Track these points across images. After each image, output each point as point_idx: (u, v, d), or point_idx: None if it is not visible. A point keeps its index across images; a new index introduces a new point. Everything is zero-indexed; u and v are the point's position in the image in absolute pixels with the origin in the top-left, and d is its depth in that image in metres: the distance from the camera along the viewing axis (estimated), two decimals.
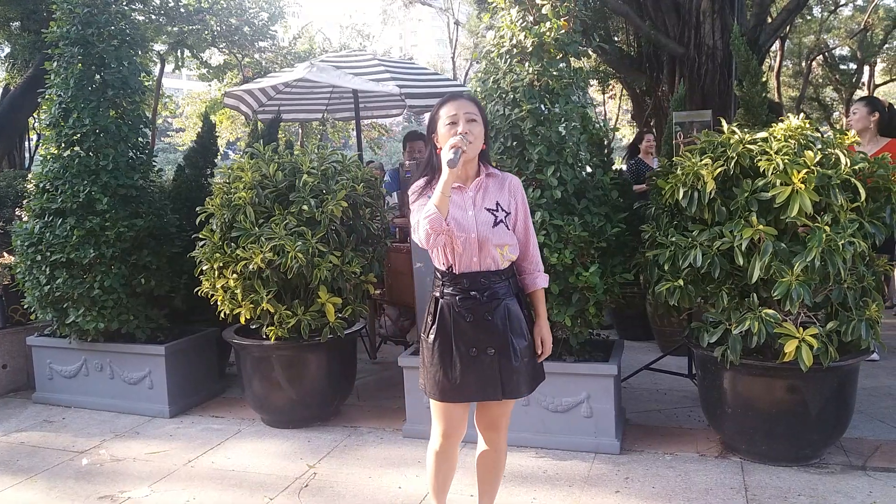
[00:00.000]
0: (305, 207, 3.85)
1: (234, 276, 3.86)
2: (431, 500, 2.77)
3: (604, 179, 3.72)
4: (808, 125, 3.24)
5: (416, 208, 2.39)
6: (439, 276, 2.49)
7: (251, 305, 3.90)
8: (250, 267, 3.77)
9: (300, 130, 17.06)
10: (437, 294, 2.47)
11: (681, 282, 3.32)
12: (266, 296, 3.84)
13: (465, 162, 2.34)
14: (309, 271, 3.79)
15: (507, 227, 2.43)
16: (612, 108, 20.00)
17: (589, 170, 3.79)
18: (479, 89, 3.77)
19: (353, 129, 9.91)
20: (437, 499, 2.76)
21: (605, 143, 4.07)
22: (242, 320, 3.97)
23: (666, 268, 3.36)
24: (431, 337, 2.45)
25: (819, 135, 3.24)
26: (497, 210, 2.43)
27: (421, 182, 2.47)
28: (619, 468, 3.40)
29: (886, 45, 19.93)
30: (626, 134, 24.43)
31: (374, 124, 18.87)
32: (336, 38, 23.03)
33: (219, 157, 5.46)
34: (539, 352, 2.53)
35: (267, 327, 3.92)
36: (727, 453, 3.50)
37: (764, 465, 3.35)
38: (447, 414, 2.52)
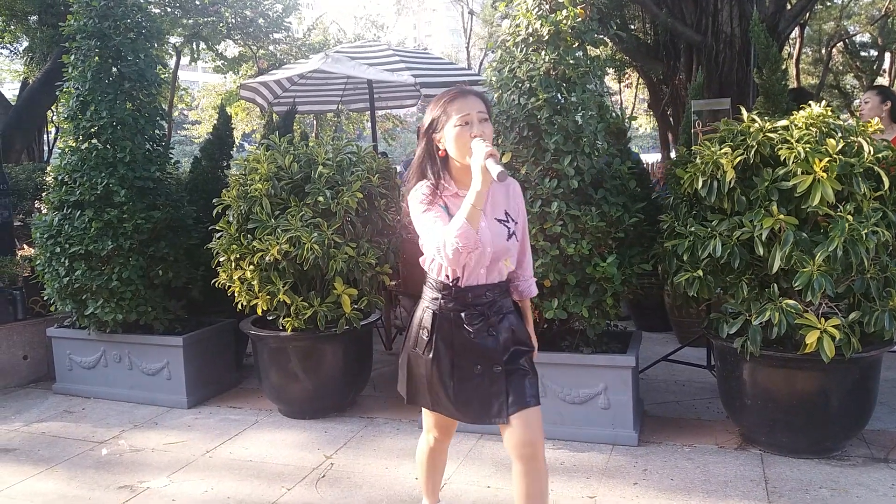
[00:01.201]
0: (321, 199, 3.85)
1: (251, 267, 3.87)
2: (424, 501, 2.73)
3: (621, 169, 3.68)
4: (829, 113, 3.19)
5: (431, 220, 2.15)
6: (437, 289, 2.28)
7: (268, 297, 3.90)
8: (267, 258, 3.78)
9: (315, 122, 17.09)
10: (435, 308, 2.28)
11: (700, 272, 3.28)
12: (282, 287, 3.85)
13: (469, 167, 2.11)
14: (325, 262, 3.79)
15: (516, 238, 2.28)
16: (629, 96, 19.83)
17: (606, 159, 3.75)
18: (494, 78, 3.75)
19: (367, 121, 9.93)
20: (430, 499, 2.71)
21: (623, 132, 4.04)
22: (259, 311, 3.98)
23: (685, 258, 3.33)
24: (430, 354, 2.28)
25: (841, 122, 3.19)
26: (508, 221, 2.26)
27: (424, 188, 2.21)
28: (638, 460, 3.38)
29: None
30: (642, 123, 24.26)
31: (388, 115, 18.87)
32: (350, 29, 23.06)
33: (235, 149, 5.48)
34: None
35: (283, 318, 3.93)
36: (747, 445, 3.47)
37: (784, 457, 3.32)
38: (440, 419, 2.48)
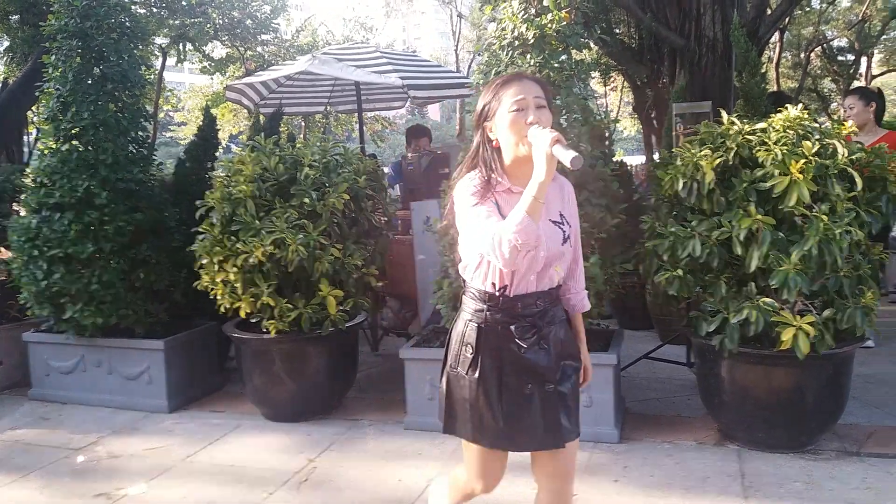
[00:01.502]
0: (307, 200, 3.86)
1: (235, 269, 3.86)
2: None
3: (604, 171, 3.73)
4: (806, 116, 3.25)
5: (483, 214, 1.89)
6: (481, 299, 2.02)
7: (251, 299, 3.90)
8: (250, 260, 3.77)
9: (303, 123, 17.06)
10: (479, 322, 2.01)
11: (680, 272, 3.33)
12: (266, 289, 3.85)
13: (524, 160, 1.89)
14: (310, 264, 3.79)
15: (570, 243, 2.04)
16: (614, 99, 19.95)
17: (591, 161, 3.79)
18: (481, 81, 3.78)
19: (355, 122, 9.93)
20: None
21: (606, 134, 4.08)
22: (242, 314, 3.98)
23: (665, 258, 3.38)
24: (475, 374, 2.00)
25: (817, 125, 3.25)
26: (563, 223, 2.01)
27: (475, 181, 1.96)
28: (618, 457, 3.42)
29: (884, 36, 19.82)
30: (627, 126, 24.39)
31: (377, 117, 18.87)
32: (339, 31, 23.01)
33: (221, 151, 5.45)
34: (581, 380, 2.16)
35: (267, 321, 3.93)
36: (725, 441, 3.52)
37: (761, 452, 3.37)
38: (488, 459, 2.13)
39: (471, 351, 2.02)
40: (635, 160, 16.01)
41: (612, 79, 15.87)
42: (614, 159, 4.21)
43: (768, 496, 2.97)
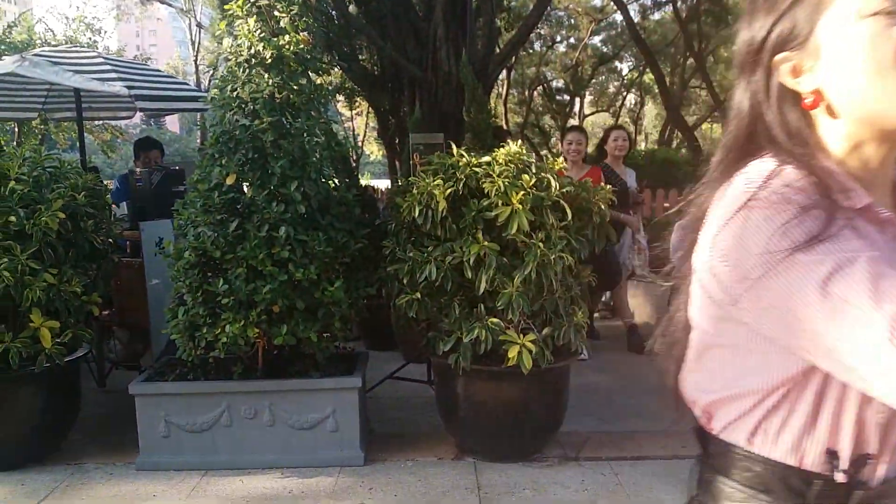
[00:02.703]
0: (13, 219, 3.41)
1: None
2: None
3: (347, 196, 3.80)
4: (524, 151, 3.62)
5: (863, 273, 0.70)
6: (787, 485, 0.87)
7: None
8: None
9: (16, 129, 14.96)
10: None
11: (418, 294, 3.50)
12: None
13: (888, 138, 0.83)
14: (18, 292, 3.35)
15: None
16: (360, 124, 20.44)
17: (333, 185, 3.84)
18: (216, 97, 3.65)
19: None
20: None
21: (351, 158, 4.16)
22: None
23: (405, 281, 3.52)
24: None
25: (533, 160, 3.64)
26: None
27: (793, 192, 0.77)
28: (364, 479, 3.47)
29: (593, 80, 22.97)
30: (373, 150, 25.11)
31: (106, 126, 17.21)
32: (60, 31, 20.59)
33: None
34: None
35: None
36: (462, 455, 3.73)
37: (494, 463, 3.61)
38: None
39: None
40: (383, 183, 16.52)
41: (357, 104, 16.26)
42: (361, 183, 4.31)
43: None
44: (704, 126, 23.27)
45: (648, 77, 20.22)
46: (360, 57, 11.44)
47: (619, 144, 5.83)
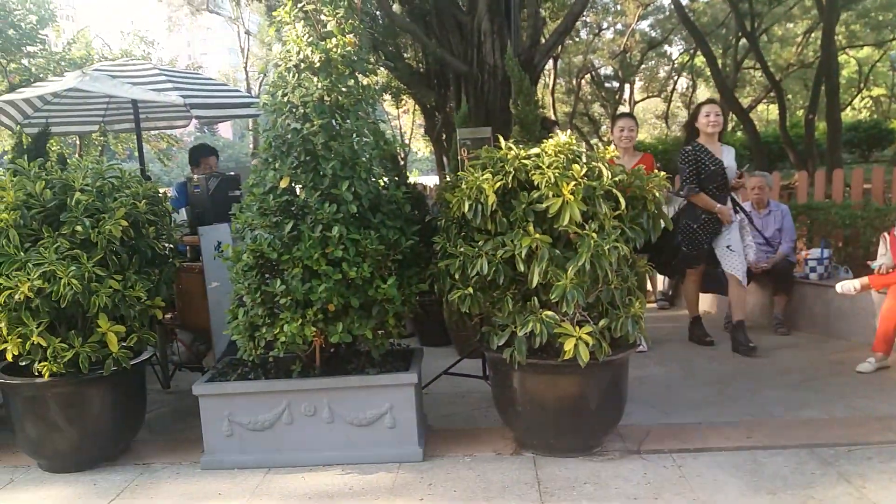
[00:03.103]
0: (79, 228, 3.55)
1: None
2: None
3: (396, 194, 3.82)
4: (573, 141, 3.57)
5: None
6: None
7: (19, 340, 3.50)
8: (16, 297, 3.39)
9: (78, 142, 15.56)
10: None
11: (470, 289, 3.50)
12: (36, 328, 3.47)
13: None
14: (86, 298, 3.49)
15: None
16: (407, 122, 20.55)
17: (383, 184, 3.87)
18: (268, 102, 3.71)
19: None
20: None
21: (399, 157, 4.18)
22: (10, 357, 3.55)
23: (457, 276, 3.53)
24: None
25: (584, 149, 3.59)
26: None
27: None
28: (423, 475, 3.49)
29: (643, 66, 22.56)
30: (421, 147, 25.23)
31: (162, 135, 17.74)
32: (117, 45, 21.32)
33: None
34: None
35: (39, 363, 3.53)
36: (521, 450, 3.71)
37: (554, 457, 3.58)
38: None
39: None
40: (431, 180, 16.57)
41: (403, 102, 16.35)
42: (410, 180, 4.32)
43: (562, 500, 3.15)
44: (760, 107, 22.60)
45: (700, 60, 19.74)
46: (405, 55, 11.50)
47: (712, 120, 5.31)
